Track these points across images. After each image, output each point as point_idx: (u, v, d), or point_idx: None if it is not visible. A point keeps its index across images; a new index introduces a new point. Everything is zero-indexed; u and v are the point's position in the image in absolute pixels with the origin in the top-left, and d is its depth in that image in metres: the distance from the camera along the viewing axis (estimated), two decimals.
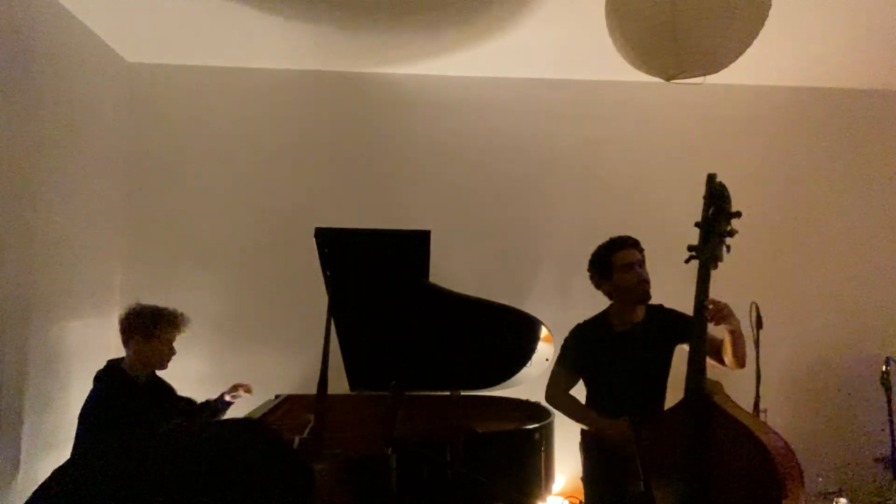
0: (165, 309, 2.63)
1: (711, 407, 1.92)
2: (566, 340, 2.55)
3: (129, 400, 2.46)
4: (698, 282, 1.98)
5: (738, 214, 1.99)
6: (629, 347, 2.37)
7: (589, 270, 2.49)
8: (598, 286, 2.48)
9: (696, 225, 2.00)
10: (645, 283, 2.38)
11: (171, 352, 2.64)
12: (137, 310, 2.60)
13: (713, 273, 1.98)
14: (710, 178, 2.01)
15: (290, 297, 3.73)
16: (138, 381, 2.57)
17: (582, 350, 2.48)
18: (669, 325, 2.35)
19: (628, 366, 2.35)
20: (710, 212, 1.99)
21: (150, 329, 2.55)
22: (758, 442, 1.83)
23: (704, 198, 2.01)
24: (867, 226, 4.02)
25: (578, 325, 2.56)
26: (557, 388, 2.50)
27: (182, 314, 2.68)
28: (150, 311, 2.60)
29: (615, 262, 2.39)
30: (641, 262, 2.40)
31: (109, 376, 2.52)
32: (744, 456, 1.83)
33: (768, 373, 3.15)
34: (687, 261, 2.01)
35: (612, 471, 2.24)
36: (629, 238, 2.43)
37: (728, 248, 2.00)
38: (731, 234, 1.99)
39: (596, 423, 2.32)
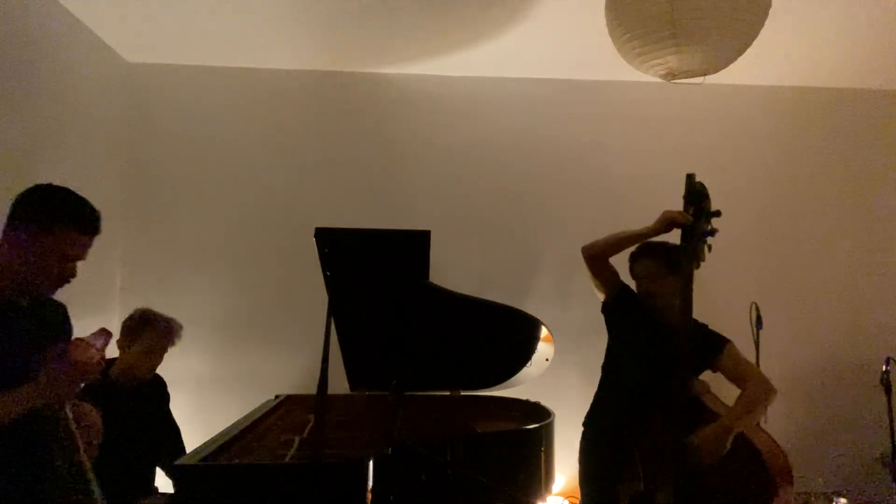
0: (158, 317, 2.50)
1: (699, 407, 1.92)
2: None
3: (110, 415, 2.33)
4: (682, 282, 1.97)
5: (718, 213, 1.97)
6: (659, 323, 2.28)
7: None
8: None
9: (676, 226, 2.00)
10: (650, 296, 2.26)
11: (156, 363, 2.51)
12: (132, 315, 2.49)
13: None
14: (689, 178, 2.00)
15: (290, 298, 3.73)
16: (122, 390, 2.44)
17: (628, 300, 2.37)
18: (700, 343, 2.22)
19: (657, 338, 2.25)
20: (691, 212, 1.98)
21: (135, 335, 2.43)
22: (746, 440, 1.84)
23: (684, 197, 2.00)
24: (867, 226, 4.02)
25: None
26: None
27: (176, 323, 2.53)
28: (141, 317, 2.47)
29: (631, 270, 2.33)
30: (653, 274, 2.26)
31: (95, 389, 2.42)
32: (733, 455, 1.84)
33: (768, 373, 3.16)
34: None
35: (608, 471, 2.24)
36: (645, 246, 2.31)
37: (710, 247, 1.99)
38: (713, 233, 1.98)
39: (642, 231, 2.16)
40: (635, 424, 2.11)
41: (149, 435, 2.56)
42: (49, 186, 1.65)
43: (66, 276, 1.65)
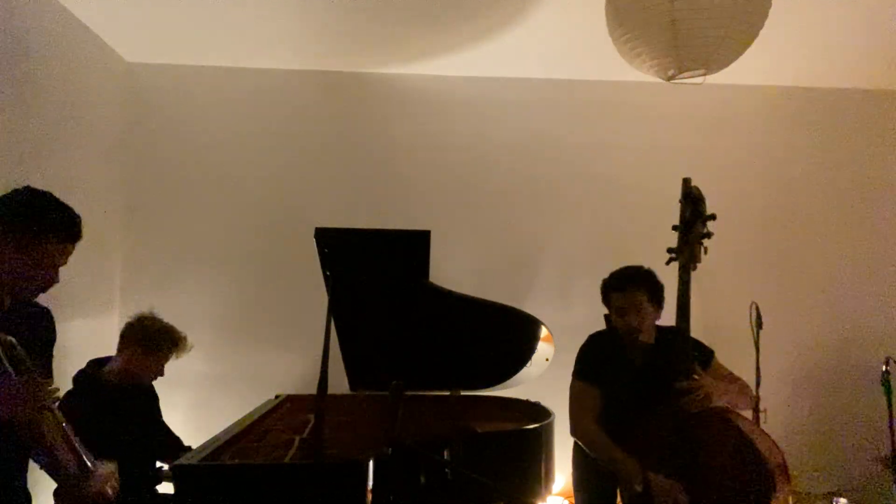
0: (176, 330, 2.56)
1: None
2: (582, 352, 2.43)
3: (98, 415, 2.31)
4: (679, 283, 2.01)
5: (713, 217, 2.02)
6: (640, 376, 2.25)
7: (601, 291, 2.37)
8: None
9: (674, 228, 2.03)
10: (633, 331, 2.21)
11: (161, 373, 2.58)
12: (148, 322, 2.53)
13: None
14: (686, 182, 2.05)
15: (290, 297, 3.73)
16: (115, 390, 2.47)
17: (598, 362, 2.36)
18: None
19: (636, 392, 2.21)
20: (687, 215, 2.02)
21: (154, 345, 2.48)
22: (745, 439, 1.86)
23: (680, 201, 2.04)
24: (867, 226, 4.02)
25: (592, 336, 2.45)
26: (586, 414, 2.27)
27: (187, 339, 2.60)
28: (161, 327, 2.53)
29: (611, 302, 2.28)
30: (638, 306, 2.20)
31: (83, 387, 2.44)
32: (733, 452, 1.86)
33: (768, 373, 3.17)
34: (667, 262, 2.05)
35: (602, 477, 2.24)
36: (631, 276, 2.25)
37: (706, 249, 2.02)
38: (708, 235, 2.01)
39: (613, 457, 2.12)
40: (634, 424, 2.12)
41: (145, 435, 2.59)
42: (31, 192, 1.63)
43: (49, 282, 1.64)
